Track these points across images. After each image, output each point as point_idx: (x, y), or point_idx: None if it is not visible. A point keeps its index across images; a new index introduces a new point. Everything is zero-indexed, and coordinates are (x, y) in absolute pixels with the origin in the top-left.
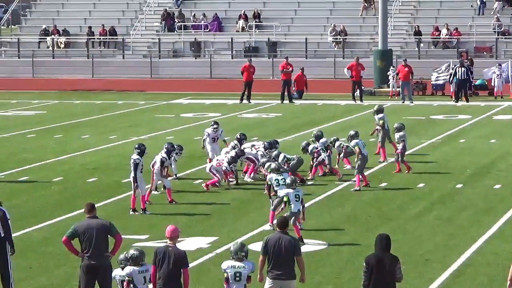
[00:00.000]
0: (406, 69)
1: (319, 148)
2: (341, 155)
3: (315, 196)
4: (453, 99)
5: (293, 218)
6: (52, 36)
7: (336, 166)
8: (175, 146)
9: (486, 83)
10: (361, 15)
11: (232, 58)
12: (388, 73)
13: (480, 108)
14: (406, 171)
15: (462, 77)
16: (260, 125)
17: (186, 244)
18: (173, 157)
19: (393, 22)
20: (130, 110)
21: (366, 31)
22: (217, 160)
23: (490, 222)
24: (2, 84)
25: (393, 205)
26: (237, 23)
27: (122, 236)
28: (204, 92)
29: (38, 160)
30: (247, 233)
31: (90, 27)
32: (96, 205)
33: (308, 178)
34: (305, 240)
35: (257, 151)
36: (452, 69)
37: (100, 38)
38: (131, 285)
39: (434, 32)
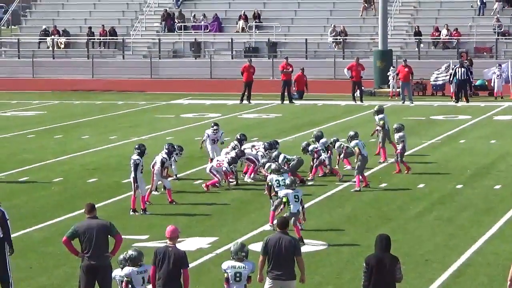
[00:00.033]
0: (406, 69)
1: (319, 149)
2: (341, 156)
3: (315, 196)
4: (453, 99)
5: (293, 218)
6: (52, 37)
7: (337, 166)
8: (175, 147)
9: (486, 83)
10: (361, 16)
11: (232, 58)
12: (388, 74)
13: (480, 108)
14: (406, 172)
15: (462, 78)
16: (260, 125)
17: (186, 244)
18: (173, 158)
19: (393, 22)
20: (130, 111)
21: (366, 32)
22: (217, 160)
23: (490, 222)
24: (2, 84)
25: (393, 206)
26: (237, 24)
27: (122, 237)
28: (204, 93)
29: (38, 161)
30: (247, 234)
31: (90, 28)
32: (96, 206)
33: (308, 178)
34: (305, 240)
35: (257, 152)
36: (452, 69)
37: (100, 39)
38: (130, 286)
39: (434, 33)
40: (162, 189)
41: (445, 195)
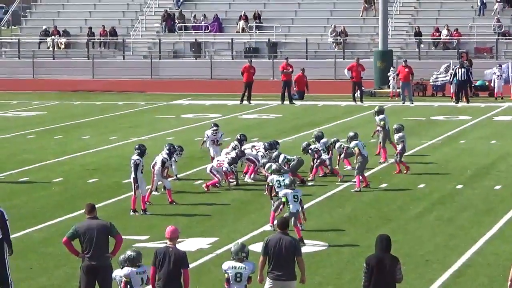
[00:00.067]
0: (407, 70)
1: (319, 149)
2: (342, 156)
3: (315, 196)
4: (453, 100)
5: (293, 218)
6: (53, 37)
7: (337, 167)
8: (175, 147)
9: (487, 84)
10: (361, 16)
11: (232, 59)
12: (388, 74)
13: (481, 109)
14: (405, 172)
15: (462, 78)
16: (260, 126)
17: (187, 244)
18: (173, 158)
19: (393, 23)
20: (130, 111)
21: (367, 32)
22: (218, 161)
23: (491, 223)
24: (3, 85)
25: (394, 206)
26: (237, 24)
27: (123, 237)
28: (204, 93)
29: (39, 161)
30: (247, 234)
31: (90, 28)
32: (96, 206)
33: (309, 179)
34: (305, 241)
35: (257, 152)
36: (453, 69)
37: (100, 39)
38: (128, 286)
39: (434, 33)
40: (162, 190)
41: (445, 195)
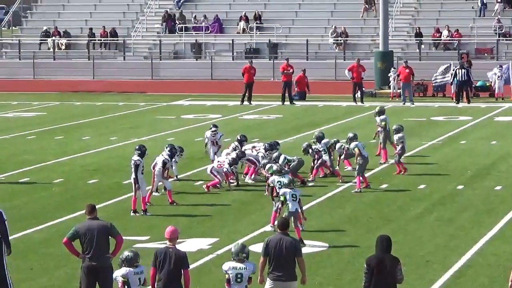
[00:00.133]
0: (407, 70)
1: (320, 150)
2: (342, 157)
3: (315, 197)
4: (454, 100)
5: (292, 218)
6: (53, 38)
7: (337, 167)
8: (176, 148)
9: (488, 84)
10: (362, 17)
11: (233, 59)
12: (389, 75)
13: (481, 109)
14: (402, 172)
15: (462, 79)
16: (260, 126)
17: (187, 245)
18: (174, 159)
19: (394, 23)
20: (130, 112)
21: (367, 33)
22: (218, 161)
23: (491, 223)
24: (3, 85)
25: (394, 206)
26: (238, 25)
27: (123, 238)
28: (205, 94)
29: (39, 162)
30: (247, 234)
31: (91, 29)
32: (96, 207)
33: (309, 179)
34: (305, 241)
35: (257, 153)
36: (453, 70)
37: (101, 40)
38: (126, 286)
39: (435, 34)
40: (163, 190)
41: (445, 196)
